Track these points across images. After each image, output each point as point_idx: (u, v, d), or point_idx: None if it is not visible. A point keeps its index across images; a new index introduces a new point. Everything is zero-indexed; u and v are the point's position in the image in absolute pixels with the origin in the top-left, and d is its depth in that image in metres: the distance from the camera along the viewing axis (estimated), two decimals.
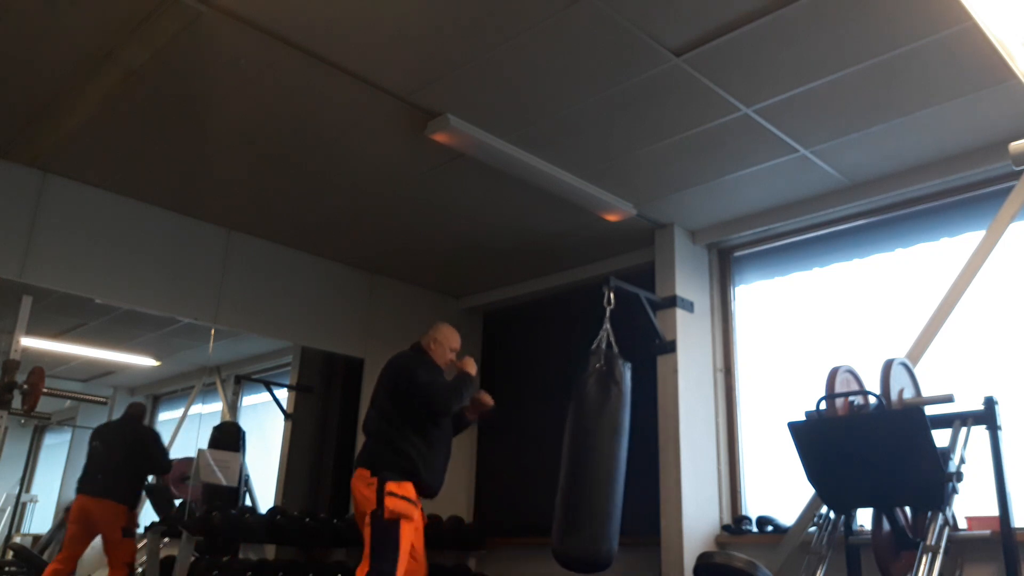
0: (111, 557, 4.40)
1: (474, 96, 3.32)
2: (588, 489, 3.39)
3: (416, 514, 3.26)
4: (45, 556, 4.80)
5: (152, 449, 4.70)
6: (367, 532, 3.16)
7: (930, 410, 2.99)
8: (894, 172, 3.85)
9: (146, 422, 4.99)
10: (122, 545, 4.39)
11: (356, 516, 3.29)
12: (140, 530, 4.63)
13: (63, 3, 2.83)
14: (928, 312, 3.45)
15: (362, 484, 3.25)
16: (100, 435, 4.63)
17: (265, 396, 5.41)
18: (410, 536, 3.21)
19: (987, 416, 3.08)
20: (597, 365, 3.55)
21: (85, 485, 4.45)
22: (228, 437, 4.91)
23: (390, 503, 3.15)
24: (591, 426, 3.48)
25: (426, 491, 3.35)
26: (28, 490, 5.21)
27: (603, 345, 3.63)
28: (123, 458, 4.53)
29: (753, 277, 4.61)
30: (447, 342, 3.65)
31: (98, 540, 4.47)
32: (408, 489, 3.23)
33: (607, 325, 3.71)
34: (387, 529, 3.13)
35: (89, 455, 4.53)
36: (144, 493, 4.77)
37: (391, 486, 3.18)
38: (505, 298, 5.69)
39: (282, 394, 5.43)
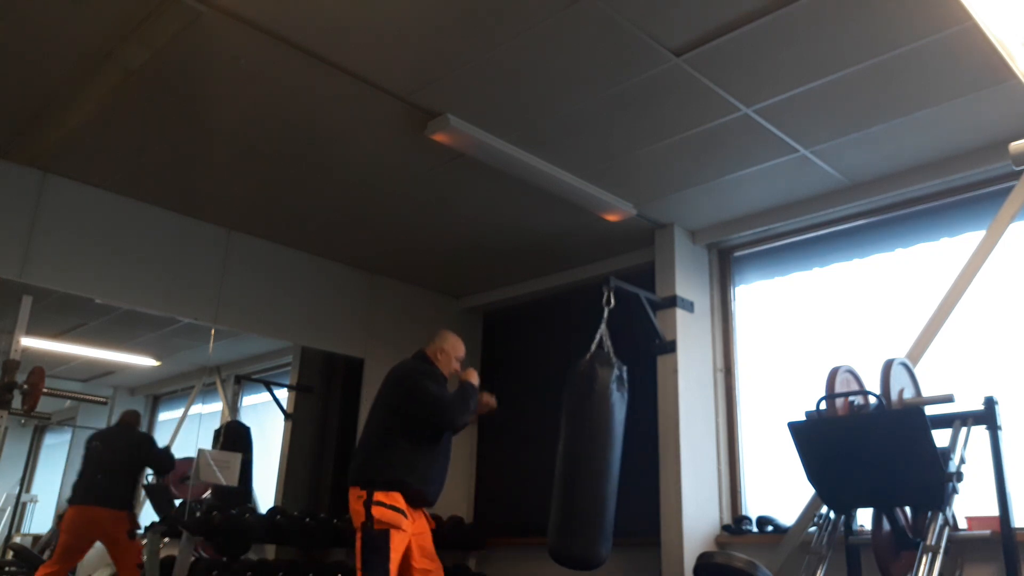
0: (120, 562, 4.38)
1: (474, 96, 3.32)
2: (577, 488, 3.44)
3: (406, 523, 3.20)
4: (45, 556, 4.80)
5: (150, 452, 4.66)
6: (357, 544, 3.15)
7: (930, 410, 2.99)
8: (894, 172, 3.85)
9: (143, 425, 4.98)
10: (130, 547, 4.38)
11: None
12: (140, 531, 4.61)
13: (63, 3, 2.83)
14: (928, 312, 3.45)
15: (354, 500, 3.23)
16: (95, 442, 4.58)
17: (265, 396, 5.41)
18: (401, 547, 3.18)
19: (987, 416, 3.08)
20: (581, 367, 3.59)
21: (80, 494, 4.37)
22: (234, 436, 4.92)
23: (376, 512, 3.12)
24: (577, 426, 3.51)
25: (417, 500, 3.29)
26: (28, 490, 5.21)
27: (598, 346, 3.64)
28: (119, 464, 4.48)
29: (753, 277, 4.61)
30: (453, 351, 3.60)
31: (98, 544, 4.46)
32: (396, 499, 3.19)
33: (603, 326, 3.72)
34: (375, 540, 3.11)
35: (84, 463, 4.48)
36: (144, 493, 4.76)
37: (378, 495, 3.15)
38: (505, 298, 5.69)
39: (282, 394, 5.43)
